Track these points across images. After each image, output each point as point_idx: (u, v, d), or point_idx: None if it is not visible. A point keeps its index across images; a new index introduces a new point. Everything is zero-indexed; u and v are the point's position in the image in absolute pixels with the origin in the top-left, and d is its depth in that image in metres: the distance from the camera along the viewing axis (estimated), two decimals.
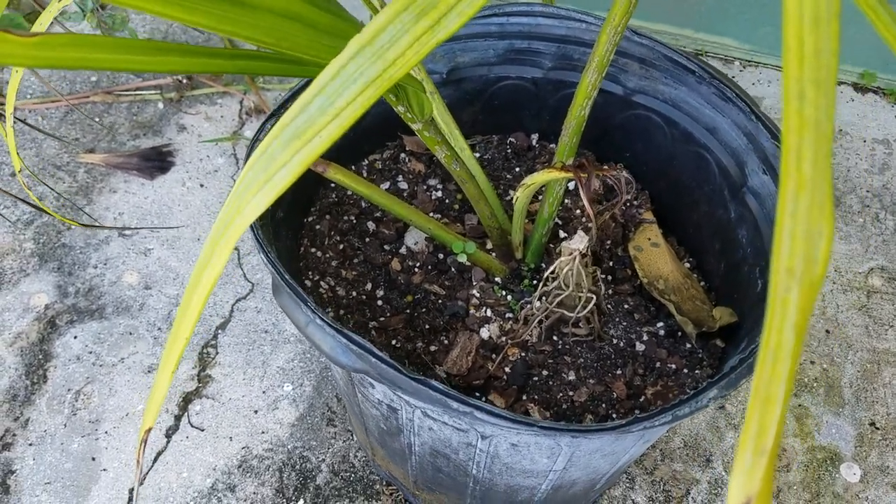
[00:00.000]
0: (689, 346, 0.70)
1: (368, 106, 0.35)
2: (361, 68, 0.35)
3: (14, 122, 0.87)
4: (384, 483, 0.84)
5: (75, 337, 0.92)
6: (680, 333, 0.71)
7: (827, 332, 0.98)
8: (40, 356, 0.90)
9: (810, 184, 0.25)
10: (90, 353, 0.91)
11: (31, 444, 0.85)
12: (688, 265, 0.78)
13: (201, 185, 1.05)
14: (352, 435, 0.87)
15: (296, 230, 0.73)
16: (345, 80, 0.35)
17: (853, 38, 1.22)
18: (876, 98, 1.25)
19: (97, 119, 1.10)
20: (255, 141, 0.64)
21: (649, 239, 0.77)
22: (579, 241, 0.61)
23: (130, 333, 0.92)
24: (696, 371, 0.69)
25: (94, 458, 0.84)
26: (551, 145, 0.84)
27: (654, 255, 0.76)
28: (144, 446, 0.43)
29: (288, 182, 0.35)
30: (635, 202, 0.80)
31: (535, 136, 0.84)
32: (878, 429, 0.91)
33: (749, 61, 1.30)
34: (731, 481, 0.24)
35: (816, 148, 0.25)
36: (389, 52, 0.35)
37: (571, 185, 0.80)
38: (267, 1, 0.37)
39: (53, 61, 0.33)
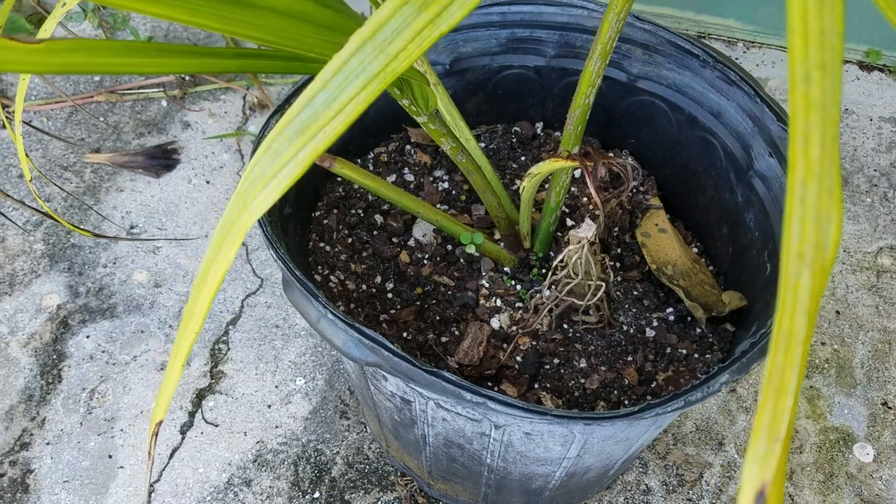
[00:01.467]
0: (699, 330, 0.70)
1: (372, 100, 0.35)
2: (364, 63, 0.35)
3: (21, 125, 0.87)
4: (399, 474, 0.85)
5: (88, 336, 0.92)
6: (690, 318, 0.71)
7: (837, 312, 0.98)
8: (54, 356, 0.91)
9: (818, 168, 0.25)
10: (103, 352, 0.91)
11: (48, 444, 0.85)
12: (696, 250, 0.78)
13: (207, 182, 1.05)
14: (365, 427, 0.88)
15: (304, 225, 0.74)
16: (348, 75, 0.35)
17: (857, 16, 1.21)
18: (882, 76, 1.24)
19: (102, 119, 1.10)
20: (261, 137, 0.64)
21: (657, 225, 0.77)
22: (587, 230, 0.61)
23: (142, 331, 0.93)
24: (707, 356, 0.69)
25: (110, 456, 0.85)
26: (556, 133, 0.83)
27: (661, 240, 0.76)
28: (156, 439, 0.43)
29: (293, 178, 0.36)
30: (642, 188, 0.80)
31: (539, 125, 0.83)
32: (890, 408, 0.91)
33: (752, 42, 1.29)
34: (745, 469, 0.24)
35: (824, 131, 0.25)
36: (391, 45, 0.35)
37: (577, 174, 0.80)
38: (269, 0, 0.37)
39: (59, 67, 0.34)
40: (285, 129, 0.36)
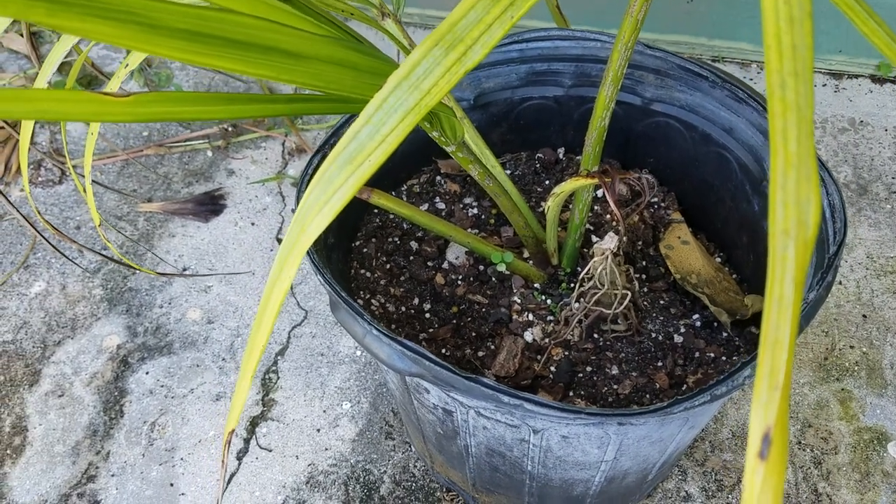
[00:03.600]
0: (725, 334, 0.74)
1: (409, 131, 0.41)
2: (401, 99, 0.40)
3: (82, 179, 0.95)
4: (445, 489, 0.88)
5: (147, 373, 0.98)
6: (716, 323, 0.75)
7: (864, 316, 1.00)
8: (116, 393, 0.97)
9: (796, 159, 0.29)
10: (162, 386, 0.97)
11: (113, 475, 0.91)
12: (718, 260, 0.82)
13: (252, 224, 1.12)
14: (410, 446, 0.92)
15: (345, 254, 0.79)
16: (387, 110, 0.40)
17: None
18: (894, 88, 1.27)
19: (152, 170, 1.18)
20: (305, 176, 0.70)
21: (679, 237, 0.81)
22: (610, 241, 0.65)
23: (197, 366, 0.98)
24: (735, 357, 0.72)
25: (172, 484, 0.90)
26: (577, 157, 0.88)
27: (684, 252, 0.80)
28: (228, 447, 0.48)
29: (344, 202, 0.41)
30: (663, 204, 0.84)
31: (561, 150, 0.89)
32: None
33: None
34: (752, 416, 0.28)
35: (799, 129, 0.30)
36: (424, 82, 0.41)
37: (599, 193, 0.85)
38: (315, 51, 0.43)
39: (144, 116, 0.39)
40: (336, 159, 0.41)
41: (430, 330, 0.76)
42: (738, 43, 1.32)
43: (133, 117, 0.39)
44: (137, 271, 1.02)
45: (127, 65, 0.65)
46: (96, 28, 0.35)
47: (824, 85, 1.29)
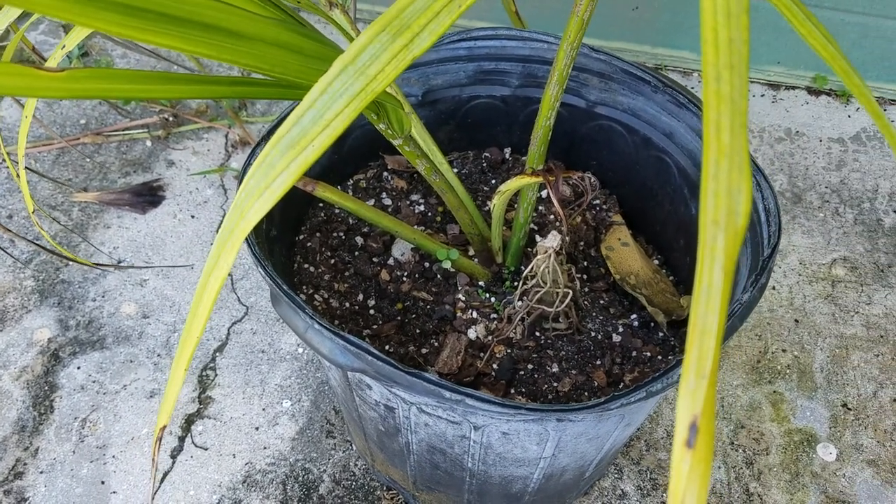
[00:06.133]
0: (661, 334, 0.75)
1: (354, 117, 0.40)
2: (346, 84, 0.40)
3: (17, 167, 0.92)
4: (385, 488, 0.88)
5: (79, 367, 0.95)
6: (653, 324, 0.76)
7: (796, 321, 1.04)
8: (46, 388, 0.93)
9: (729, 150, 0.30)
10: (94, 382, 0.94)
11: (41, 472, 0.87)
12: (657, 262, 0.84)
13: (192, 217, 1.09)
14: (351, 445, 0.91)
15: (289, 247, 0.78)
16: (332, 94, 0.40)
17: (804, 45, 1.30)
18: (829, 100, 1.32)
19: (88, 159, 1.14)
20: (247, 165, 0.69)
21: (619, 239, 0.82)
22: (553, 240, 0.66)
23: (131, 361, 0.96)
24: (670, 357, 0.73)
25: (103, 482, 0.87)
26: (523, 158, 0.89)
27: (624, 253, 0.81)
28: (160, 444, 0.46)
29: (286, 187, 0.40)
30: (604, 206, 0.86)
31: (507, 150, 0.89)
32: (850, 409, 0.96)
33: None
34: (679, 403, 0.28)
35: (733, 120, 0.30)
36: (371, 68, 0.40)
37: (544, 194, 0.86)
38: (258, 31, 0.42)
39: (79, 92, 0.38)
40: (277, 143, 0.40)
41: (374, 326, 0.75)
42: (680, 52, 1.36)
43: (66, 93, 0.38)
44: (70, 263, 0.99)
45: (63, 46, 0.63)
46: None
47: (762, 95, 1.33)
